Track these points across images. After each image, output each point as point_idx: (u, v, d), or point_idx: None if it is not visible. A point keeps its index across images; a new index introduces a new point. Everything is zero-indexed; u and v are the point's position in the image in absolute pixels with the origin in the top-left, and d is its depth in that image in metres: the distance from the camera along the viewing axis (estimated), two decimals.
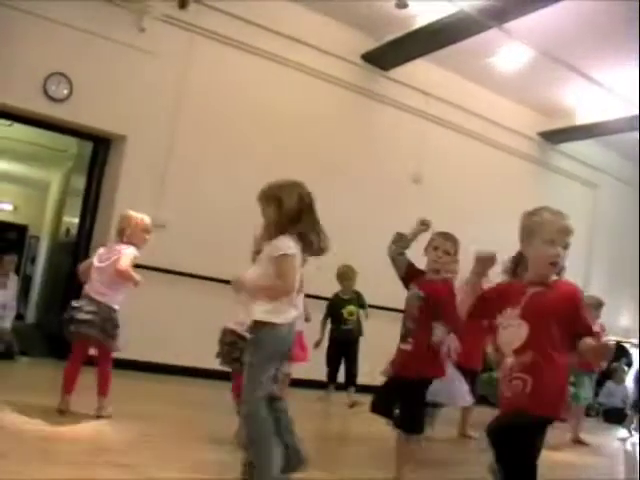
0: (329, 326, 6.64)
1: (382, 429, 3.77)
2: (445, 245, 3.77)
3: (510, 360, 2.50)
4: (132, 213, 4.43)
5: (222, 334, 4.16)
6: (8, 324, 6.65)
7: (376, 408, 3.64)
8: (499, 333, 2.59)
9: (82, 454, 3.29)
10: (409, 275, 3.78)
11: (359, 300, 6.69)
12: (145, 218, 4.42)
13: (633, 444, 7.09)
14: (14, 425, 3.59)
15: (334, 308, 6.63)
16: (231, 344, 4.11)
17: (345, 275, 6.58)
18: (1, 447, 3.08)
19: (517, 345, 2.48)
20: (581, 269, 9.40)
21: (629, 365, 9.68)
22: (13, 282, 7.00)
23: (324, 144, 7.60)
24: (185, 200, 6.63)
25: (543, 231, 2.59)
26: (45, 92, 6.03)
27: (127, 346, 4.29)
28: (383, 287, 6.64)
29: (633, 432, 7.37)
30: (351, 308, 6.60)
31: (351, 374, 6.61)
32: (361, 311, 6.67)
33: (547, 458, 2.86)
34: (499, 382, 2.59)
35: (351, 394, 6.56)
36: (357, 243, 7.10)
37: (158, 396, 5.22)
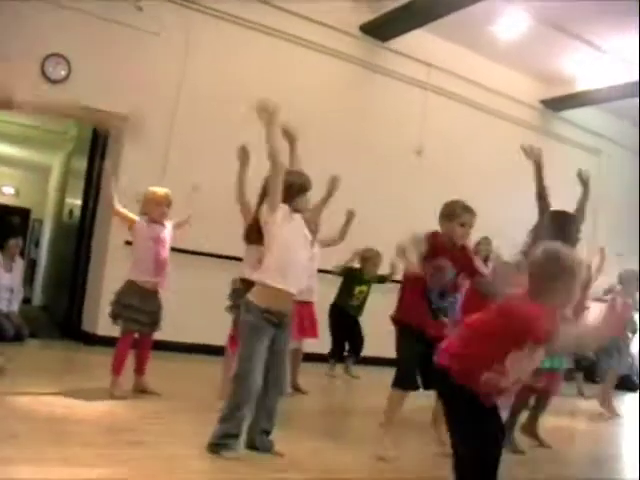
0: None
1: None
2: (472, 221, 3.78)
3: None
4: (148, 188, 4.54)
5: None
6: (16, 307, 6.67)
7: (410, 384, 3.61)
8: None
9: (95, 433, 3.33)
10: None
11: (379, 280, 6.60)
12: (157, 190, 4.50)
13: None
14: (27, 406, 3.62)
15: (350, 281, 6.53)
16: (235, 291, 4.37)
17: (371, 260, 6.48)
18: (14, 428, 3.11)
19: None
20: (586, 236, 9.37)
21: (634, 332, 9.68)
22: (19, 266, 6.99)
23: (325, 117, 7.54)
24: (187, 178, 6.55)
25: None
26: (43, 73, 5.99)
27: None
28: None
29: None
30: (364, 288, 6.55)
31: (358, 347, 6.65)
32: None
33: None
34: None
35: (351, 366, 6.72)
36: (359, 215, 7.08)
37: (167, 374, 5.25)
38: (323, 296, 6.43)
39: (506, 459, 2.47)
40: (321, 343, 5.91)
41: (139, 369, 4.45)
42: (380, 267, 6.51)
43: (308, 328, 5.18)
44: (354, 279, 6.52)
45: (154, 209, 4.43)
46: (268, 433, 3.34)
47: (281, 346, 3.32)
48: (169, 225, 4.56)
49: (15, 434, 3.01)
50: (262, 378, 3.20)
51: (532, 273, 2.46)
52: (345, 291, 6.52)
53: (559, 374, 4.14)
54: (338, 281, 6.60)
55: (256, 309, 3.20)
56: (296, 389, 5.22)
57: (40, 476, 2.54)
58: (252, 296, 3.25)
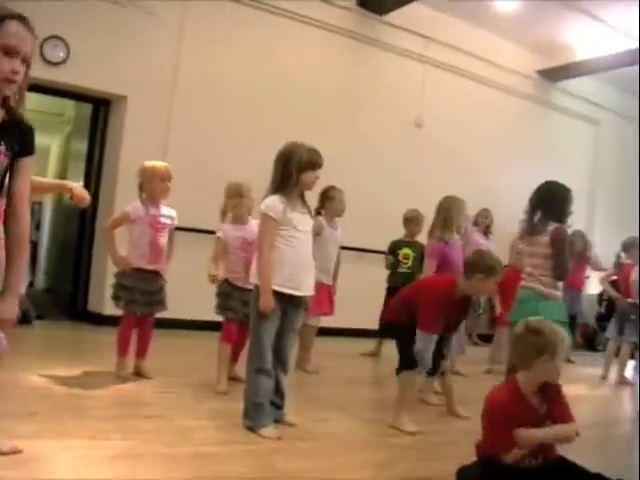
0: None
1: None
2: None
3: None
4: (146, 164, 4.29)
5: (218, 284, 4.29)
6: (22, 290, 6.71)
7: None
8: None
9: (111, 409, 3.43)
10: None
11: (419, 249, 6.01)
12: (157, 165, 4.27)
13: None
14: (43, 385, 3.71)
15: (392, 249, 6.24)
16: (225, 294, 4.25)
17: (414, 221, 6.16)
18: (33, 406, 3.20)
19: None
20: (583, 206, 9.46)
21: None
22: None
23: (323, 92, 7.57)
24: (189, 156, 6.63)
25: None
26: (42, 56, 5.99)
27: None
28: (380, 231, 6.73)
29: None
30: (407, 251, 6.15)
31: None
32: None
33: None
34: None
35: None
36: (360, 187, 7.13)
37: (175, 350, 5.35)
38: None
39: None
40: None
41: (139, 352, 4.32)
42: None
43: (325, 306, 5.21)
44: (396, 246, 6.23)
45: (157, 185, 4.21)
46: (279, 407, 3.45)
47: (291, 325, 3.40)
48: (171, 211, 4.39)
49: (36, 411, 3.10)
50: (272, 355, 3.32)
51: None
52: (391, 262, 6.22)
53: None
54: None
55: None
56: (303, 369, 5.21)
57: (64, 449, 2.64)
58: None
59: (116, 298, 4.26)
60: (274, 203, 3.25)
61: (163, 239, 4.31)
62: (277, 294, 3.23)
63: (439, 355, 3.89)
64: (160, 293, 4.33)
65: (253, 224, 4.19)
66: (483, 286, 3.66)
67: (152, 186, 4.24)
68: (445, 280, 3.81)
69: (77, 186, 3.15)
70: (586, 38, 8.37)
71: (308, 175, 3.29)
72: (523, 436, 2.56)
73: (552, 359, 2.61)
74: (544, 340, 2.62)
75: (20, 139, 2.16)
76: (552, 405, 2.68)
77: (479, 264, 3.64)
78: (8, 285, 2.17)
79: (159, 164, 4.31)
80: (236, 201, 4.29)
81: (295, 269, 3.29)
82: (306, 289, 3.37)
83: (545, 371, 2.63)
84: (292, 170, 3.25)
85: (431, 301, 3.62)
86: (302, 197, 3.39)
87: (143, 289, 4.21)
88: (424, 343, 3.58)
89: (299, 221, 3.31)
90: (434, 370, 3.94)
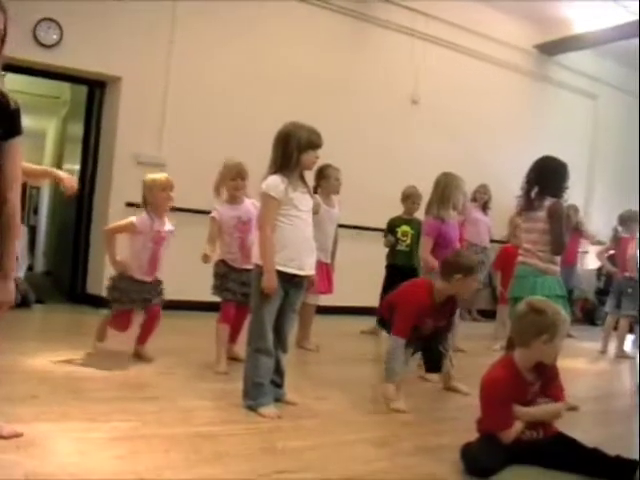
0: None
1: None
2: None
3: None
4: (146, 177, 4.27)
5: (215, 265, 4.28)
6: (21, 274, 6.71)
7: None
8: None
9: (111, 391, 3.43)
10: None
11: (417, 226, 5.89)
12: (157, 176, 4.25)
13: None
14: (43, 368, 3.71)
15: (391, 227, 6.17)
16: (222, 275, 4.24)
17: (411, 198, 6.04)
18: (33, 389, 3.21)
19: None
20: (582, 181, 9.44)
21: None
22: (22, 233, 7.00)
23: (319, 70, 7.50)
24: (185, 137, 6.61)
25: None
26: (35, 38, 5.94)
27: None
28: (378, 209, 6.72)
29: None
30: (405, 228, 6.04)
31: None
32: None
33: None
34: None
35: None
36: (357, 165, 7.11)
37: (174, 331, 5.35)
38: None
39: None
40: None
41: (141, 339, 4.32)
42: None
43: (323, 285, 5.20)
44: (394, 223, 6.15)
45: (159, 195, 4.18)
46: (279, 386, 3.47)
47: (291, 305, 3.40)
48: (170, 226, 4.37)
49: (35, 394, 3.11)
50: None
51: None
52: (391, 242, 6.11)
53: None
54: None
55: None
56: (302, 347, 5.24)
57: (64, 431, 2.65)
58: None
59: (113, 299, 4.25)
60: (275, 183, 3.24)
61: (162, 251, 4.31)
62: (280, 274, 3.23)
63: (438, 352, 3.95)
64: (156, 287, 4.33)
65: (247, 203, 4.22)
66: (463, 286, 3.65)
67: (154, 197, 4.21)
68: (422, 291, 3.74)
69: (65, 175, 3.19)
70: (584, 11, 8.28)
71: (308, 155, 3.29)
72: (516, 412, 2.59)
73: (551, 340, 2.62)
74: (546, 320, 2.63)
75: (4, 120, 2.14)
76: (548, 385, 2.70)
77: (456, 265, 3.65)
78: (2, 268, 2.17)
79: (159, 175, 4.28)
80: (237, 183, 4.26)
81: (298, 248, 3.30)
82: (309, 268, 3.38)
83: (543, 351, 2.64)
84: (292, 150, 3.24)
85: (406, 313, 3.67)
86: (302, 177, 3.39)
87: (138, 289, 4.21)
88: (392, 346, 3.66)
89: (300, 201, 3.31)
90: (435, 367, 4.03)
